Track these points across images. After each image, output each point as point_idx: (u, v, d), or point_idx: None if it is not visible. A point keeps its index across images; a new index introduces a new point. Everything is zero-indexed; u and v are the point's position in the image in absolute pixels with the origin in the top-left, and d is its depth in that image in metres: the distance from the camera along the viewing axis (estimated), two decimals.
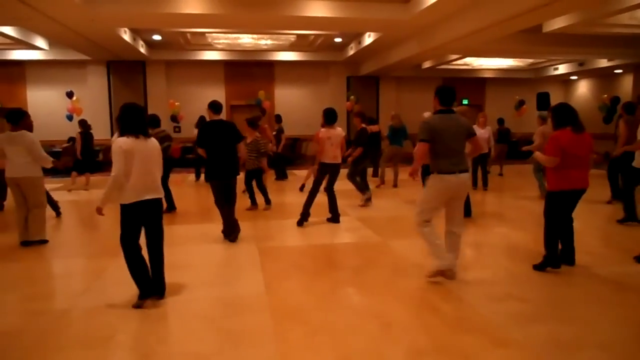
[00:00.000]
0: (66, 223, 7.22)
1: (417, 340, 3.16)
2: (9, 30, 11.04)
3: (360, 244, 5.67)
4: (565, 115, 4.43)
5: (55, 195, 7.92)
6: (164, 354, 3.03)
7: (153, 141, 3.84)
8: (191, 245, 5.66)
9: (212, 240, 5.83)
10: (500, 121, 12.51)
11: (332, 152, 6.40)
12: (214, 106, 5.80)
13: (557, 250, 4.51)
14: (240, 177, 6.08)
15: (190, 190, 10.31)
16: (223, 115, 6.64)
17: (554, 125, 4.49)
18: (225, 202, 5.69)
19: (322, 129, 6.48)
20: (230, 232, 5.75)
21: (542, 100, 13.07)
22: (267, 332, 3.28)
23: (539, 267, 4.53)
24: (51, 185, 10.80)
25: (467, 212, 6.65)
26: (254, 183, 7.83)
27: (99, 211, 3.78)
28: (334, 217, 6.69)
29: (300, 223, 6.50)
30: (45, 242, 5.67)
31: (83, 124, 10.26)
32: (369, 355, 2.96)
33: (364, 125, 7.93)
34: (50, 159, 5.71)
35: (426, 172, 6.54)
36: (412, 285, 4.18)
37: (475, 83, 17.94)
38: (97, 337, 3.22)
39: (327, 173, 6.52)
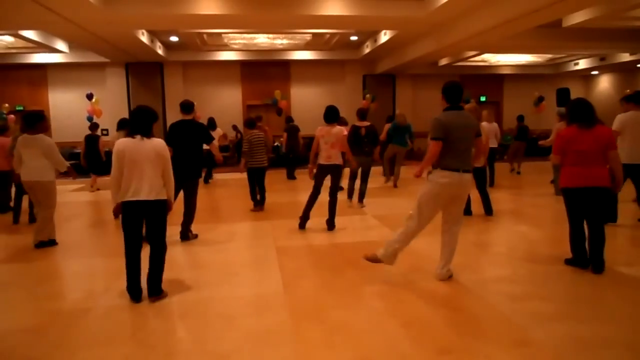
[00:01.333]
0: (85, 223, 7.35)
1: (438, 339, 3.13)
2: (31, 34, 11.31)
3: (377, 243, 5.62)
4: (575, 112, 4.31)
5: (75, 196, 8.06)
6: (184, 352, 3.06)
7: (151, 142, 3.82)
8: (209, 244, 5.71)
9: (229, 239, 5.87)
10: (520, 118, 12.35)
11: (326, 152, 5.99)
12: (184, 106, 5.85)
13: (581, 249, 4.40)
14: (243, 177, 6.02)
15: (201, 191, 10.39)
16: (239, 115, 6.63)
17: (567, 122, 4.42)
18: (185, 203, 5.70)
19: (320, 127, 6.11)
20: (182, 234, 5.77)
21: (562, 96, 12.90)
22: (285, 331, 3.28)
23: (567, 262, 4.50)
24: (72, 186, 11.03)
25: (467, 211, 6.52)
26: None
27: (114, 211, 3.91)
28: (329, 223, 6.20)
29: (301, 226, 6.24)
30: (54, 243, 5.67)
31: (90, 127, 10.39)
32: (388, 354, 2.94)
33: (357, 123, 7.49)
34: (67, 163, 5.76)
35: (477, 177, 6.37)
36: (432, 284, 4.14)
37: (493, 80, 17.73)
38: (118, 336, 3.27)
39: (324, 175, 6.12)
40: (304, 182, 11.23)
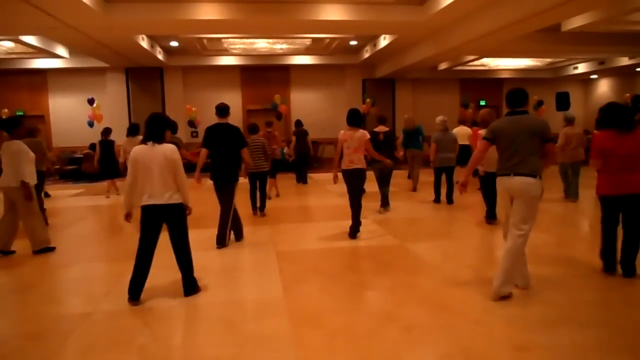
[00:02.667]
0: (87, 228, 7.34)
1: (438, 344, 3.11)
2: (31, 39, 11.33)
3: (378, 247, 5.64)
4: (612, 116, 4.21)
5: (74, 201, 8.03)
6: (184, 358, 3.04)
7: (162, 147, 3.91)
8: (209, 249, 5.69)
9: (229, 244, 5.86)
10: None
11: (349, 156, 5.89)
12: (220, 109, 5.79)
13: (613, 258, 4.33)
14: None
15: (210, 194, 10.36)
16: (239, 120, 6.63)
17: (596, 126, 4.38)
18: (221, 205, 5.72)
19: (342, 131, 6.02)
20: (219, 239, 5.67)
21: (562, 100, 12.90)
22: (285, 336, 3.27)
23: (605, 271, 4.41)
24: (71, 191, 11.02)
25: (492, 215, 6.57)
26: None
27: (125, 217, 4.03)
28: (352, 230, 6.06)
29: (352, 235, 6.01)
30: (52, 249, 5.63)
31: (103, 132, 10.38)
32: (389, 359, 2.92)
33: (376, 128, 7.39)
34: (27, 179, 5.35)
35: (486, 182, 6.31)
36: (432, 289, 4.13)
37: (493, 84, 17.77)
38: (118, 341, 3.25)
39: (351, 179, 5.98)
40: (313, 186, 11.25)
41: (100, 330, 3.45)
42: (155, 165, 3.86)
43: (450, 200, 8.24)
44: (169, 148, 3.94)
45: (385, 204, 7.63)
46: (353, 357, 2.95)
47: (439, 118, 8.39)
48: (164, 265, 5.13)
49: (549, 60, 15.97)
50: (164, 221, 3.98)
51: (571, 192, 8.40)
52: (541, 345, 3.04)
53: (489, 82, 17.65)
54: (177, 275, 4.60)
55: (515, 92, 3.98)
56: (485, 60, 15.34)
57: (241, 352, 3.05)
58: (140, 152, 3.90)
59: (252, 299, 4.01)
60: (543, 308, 3.65)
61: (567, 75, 17.24)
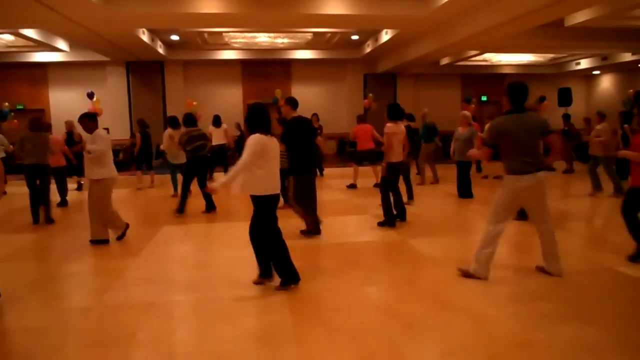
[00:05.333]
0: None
1: (440, 340, 3.10)
2: (31, 32, 11.27)
3: (379, 243, 5.63)
4: None
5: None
6: (185, 353, 3.04)
7: (274, 139, 4.01)
8: (209, 244, 5.69)
9: (230, 239, 5.85)
10: (566, 116, 12.15)
11: (397, 149, 6.12)
12: (292, 101, 5.80)
13: None
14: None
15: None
16: (239, 114, 6.64)
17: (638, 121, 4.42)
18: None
19: (389, 124, 6.07)
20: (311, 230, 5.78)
21: (564, 96, 12.86)
22: (287, 331, 3.26)
23: (631, 259, 4.51)
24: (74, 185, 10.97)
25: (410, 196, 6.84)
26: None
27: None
28: (400, 214, 6.33)
29: (392, 224, 6.16)
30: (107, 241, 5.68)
31: (142, 123, 10.27)
32: (390, 355, 2.92)
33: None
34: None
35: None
36: (433, 285, 4.12)
37: (495, 79, 17.69)
38: (119, 336, 3.25)
39: (399, 172, 6.28)
40: (320, 180, 11.17)
41: (101, 326, 3.45)
42: (274, 156, 3.96)
43: (470, 195, 8.21)
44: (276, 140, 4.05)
45: (411, 196, 7.73)
46: (354, 353, 2.94)
47: (463, 113, 8.40)
48: (165, 258, 5.13)
49: (551, 55, 15.91)
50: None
51: (616, 187, 8.07)
52: (543, 342, 3.04)
53: (491, 78, 17.59)
54: (174, 271, 4.61)
55: (521, 87, 3.99)
56: (487, 56, 15.28)
57: (242, 348, 3.05)
58: (268, 142, 3.88)
59: (253, 295, 4.00)
60: (545, 304, 3.64)
61: (570, 71, 17.18)
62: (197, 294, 4.02)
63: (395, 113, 6.15)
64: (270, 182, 3.93)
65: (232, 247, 5.50)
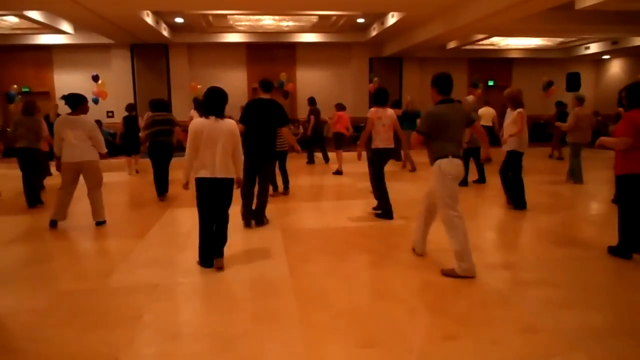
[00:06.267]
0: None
1: (443, 324, 3.11)
2: (35, 14, 11.18)
3: (382, 227, 5.62)
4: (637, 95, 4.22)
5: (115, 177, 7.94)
6: (190, 334, 3.06)
7: (225, 122, 4.06)
8: None
9: (234, 223, 5.86)
10: (559, 103, 12.11)
11: (385, 134, 5.84)
12: (264, 84, 5.64)
13: (631, 239, 4.28)
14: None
15: None
16: (244, 98, 6.55)
17: (627, 105, 4.32)
18: (257, 181, 5.55)
19: (372, 109, 5.95)
20: (258, 219, 5.63)
21: (572, 81, 12.67)
22: (292, 314, 3.28)
23: (611, 251, 4.39)
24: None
25: (522, 205, 6.44)
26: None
27: (184, 186, 4.25)
28: (386, 212, 6.00)
29: (389, 216, 5.94)
30: (104, 222, 5.80)
31: (127, 107, 10.24)
32: (393, 339, 2.93)
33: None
34: (104, 145, 5.76)
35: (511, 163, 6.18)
36: (437, 270, 4.12)
37: (502, 63, 17.49)
38: (125, 317, 3.28)
39: (384, 158, 5.98)
40: (317, 165, 11.20)
41: (107, 307, 3.48)
42: (219, 140, 3.96)
43: (483, 180, 8.16)
44: (232, 123, 4.10)
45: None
46: (358, 337, 2.96)
47: (469, 98, 8.29)
48: (170, 240, 5.16)
49: (560, 39, 15.65)
50: (217, 193, 4.07)
51: (576, 175, 8.26)
52: (548, 327, 3.04)
53: (498, 62, 17.36)
54: (178, 253, 4.64)
55: (447, 77, 4.03)
56: (494, 40, 15.05)
57: (247, 330, 3.06)
58: (204, 125, 3.97)
59: (259, 278, 4.01)
60: (550, 290, 3.64)
61: (579, 56, 16.91)
62: (202, 277, 4.04)
63: (380, 98, 5.96)
64: (198, 165, 4.02)
65: (237, 230, 5.52)
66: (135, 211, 6.66)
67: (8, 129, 12.74)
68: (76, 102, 5.54)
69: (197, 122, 3.99)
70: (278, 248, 4.79)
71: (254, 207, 5.61)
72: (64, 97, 5.60)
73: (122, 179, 9.66)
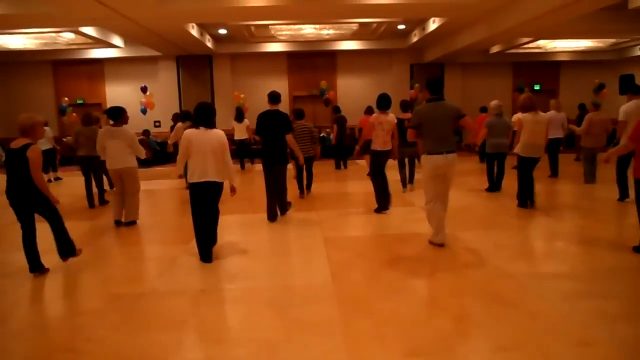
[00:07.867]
0: (144, 211, 7.63)
1: (490, 336, 3.02)
2: (90, 30, 11.80)
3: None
4: None
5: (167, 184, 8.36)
6: (234, 339, 3.12)
7: (213, 132, 4.60)
8: (256, 234, 5.79)
9: (276, 229, 5.93)
10: (582, 106, 11.79)
11: (383, 138, 6.33)
12: (272, 97, 6.21)
13: None
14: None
15: (244, 178, 10.54)
16: (285, 106, 7.12)
17: None
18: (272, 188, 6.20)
19: (374, 114, 6.45)
20: (281, 209, 6.47)
21: (626, 83, 12.07)
22: (334, 321, 3.28)
23: (636, 250, 4.48)
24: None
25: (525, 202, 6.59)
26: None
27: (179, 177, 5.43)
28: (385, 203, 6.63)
29: (384, 209, 6.59)
30: (134, 222, 6.31)
31: (173, 117, 10.55)
32: (438, 349, 2.87)
33: (401, 115, 7.57)
34: (144, 150, 6.36)
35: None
36: (483, 279, 4.01)
37: (549, 67, 16.91)
38: (172, 321, 3.37)
39: (382, 160, 6.46)
40: (353, 171, 11.22)
41: (156, 310, 3.59)
42: (209, 147, 4.46)
43: (498, 187, 7.95)
44: (220, 133, 4.61)
45: (412, 180, 8.37)
46: (403, 346, 2.92)
47: (494, 102, 8.08)
48: (216, 246, 5.27)
49: (612, 40, 14.97)
50: (206, 194, 4.56)
51: (586, 177, 8.40)
52: (603, 341, 2.89)
53: (545, 66, 16.79)
54: (223, 259, 4.73)
55: (437, 81, 4.82)
56: (541, 42, 14.56)
57: (290, 336, 3.09)
58: (193, 134, 4.50)
59: (301, 285, 4.04)
60: (603, 302, 3.47)
61: (632, 57, 16.12)
62: (246, 283, 4.10)
63: (383, 103, 6.30)
64: (191, 172, 4.52)
65: (272, 237, 5.58)
66: (183, 217, 6.81)
67: (64, 139, 13.45)
68: (117, 114, 6.10)
69: (189, 132, 4.54)
70: (320, 255, 4.80)
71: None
72: (106, 112, 6.25)
73: (173, 185, 9.95)
